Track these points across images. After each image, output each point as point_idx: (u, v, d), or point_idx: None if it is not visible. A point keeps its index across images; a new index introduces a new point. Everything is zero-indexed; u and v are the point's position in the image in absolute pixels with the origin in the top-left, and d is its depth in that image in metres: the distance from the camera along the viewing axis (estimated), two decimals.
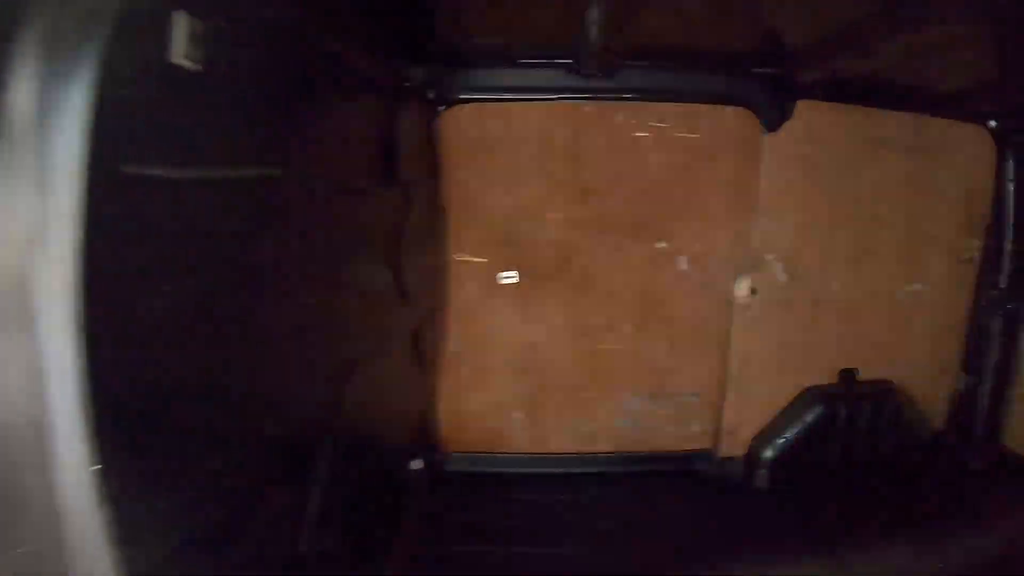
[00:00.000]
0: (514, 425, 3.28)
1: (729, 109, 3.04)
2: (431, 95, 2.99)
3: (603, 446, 3.34)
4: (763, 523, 3.09)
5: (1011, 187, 3.57)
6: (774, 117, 3.08)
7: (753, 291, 3.21)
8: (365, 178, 2.14)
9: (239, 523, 1.24)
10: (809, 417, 3.31)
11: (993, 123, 3.57)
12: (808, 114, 3.15)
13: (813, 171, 3.20)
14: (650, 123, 3.00)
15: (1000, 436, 3.70)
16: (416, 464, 3.09)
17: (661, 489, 3.28)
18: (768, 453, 3.33)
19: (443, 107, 2.98)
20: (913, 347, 3.62)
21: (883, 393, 3.46)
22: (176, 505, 0.98)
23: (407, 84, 2.75)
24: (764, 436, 3.37)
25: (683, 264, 3.18)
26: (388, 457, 2.69)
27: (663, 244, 3.16)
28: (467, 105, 2.98)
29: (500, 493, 3.19)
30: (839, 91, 3.17)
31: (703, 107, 3.03)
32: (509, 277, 3.12)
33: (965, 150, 3.54)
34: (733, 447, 3.42)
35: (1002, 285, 3.60)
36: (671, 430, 3.35)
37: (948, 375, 3.75)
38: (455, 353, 3.23)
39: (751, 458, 3.39)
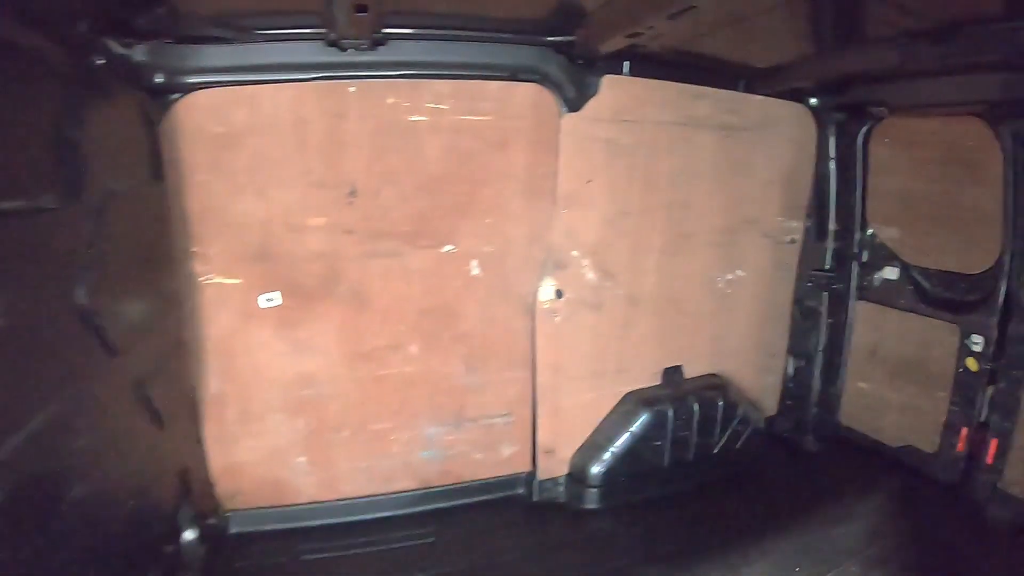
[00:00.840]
0: (297, 472, 3.11)
1: (521, 86, 2.99)
2: (158, 79, 2.59)
3: (404, 483, 3.26)
4: (595, 547, 3.13)
5: (832, 166, 3.85)
6: (574, 95, 3.06)
7: (559, 293, 3.22)
8: (26, 193, 1.75)
9: None
10: (634, 425, 3.40)
11: (813, 101, 3.80)
12: (613, 91, 3.13)
13: (620, 154, 3.22)
14: (427, 104, 2.89)
15: (834, 416, 4.07)
16: (189, 535, 2.79)
17: (476, 524, 3.24)
18: (594, 469, 3.38)
19: (175, 95, 2.63)
20: (739, 336, 3.82)
21: (711, 388, 3.62)
22: None
23: (103, 64, 2.37)
24: (587, 451, 3.43)
25: (475, 269, 3.14)
26: (144, 535, 2.44)
27: (450, 248, 3.09)
28: (204, 91, 2.66)
29: (289, 550, 3.00)
30: (648, 65, 3.18)
31: (491, 84, 2.95)
32: (270, 300, 2.88)
33: (785, 129, 3.74)
34: (554, 467, 3.45)
35: (826, 266, 3.92)
36: (480, 457, 3.34)
37: (777, 360, 4.05)
38: (217, 396, 2.95)
39: (575, 477, 3.44)
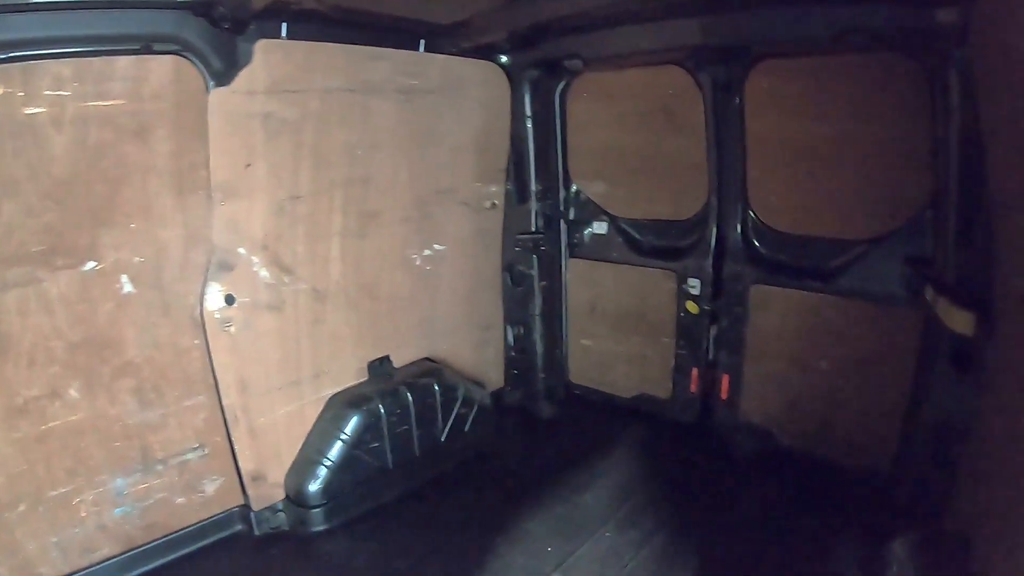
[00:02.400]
0: None
1: (157, 60, 2.94)
2: None
3: (106, 550, 3.28)
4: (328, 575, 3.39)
5: (529, 125, 4.42)
6: (221, 66, 3.08)
7: (229, 299, 3.32)
8: None
9: None
10: (344, 430, 3.68)
11: (504, 58, 4.29)
12: (269, 58, 3.18)
13: (284, 131, 3.34)
14: (45, 92, 2.74)
15: (564, 377, 4.75)
16: None
17: (201, 574, 3.37)
18: (311, 488, 3.62)
19: None
20: (448, 314, 4.27)
21: (426, 376, 4.01)
22: None
23: None
24: (300, 469, 3.66)
25: (127, 286, 3.12)
26: None
27: (93, 264, 3.02)
28: None
29: None
30: (311, 26, 3.29)
31: (120, 61, 2.86)
32: None
33: (474, 90, 4.16)
34: (268, 494, 3.64)
35: (532, 228, 4.51)
36: (183, 500, 3.43)
37: (494, 331, 4.62)
38: None
39: (294, 500, 3.66)
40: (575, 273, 4.62)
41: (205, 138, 3.11)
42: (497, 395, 4.63)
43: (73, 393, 3.10)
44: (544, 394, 4.71)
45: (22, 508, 3.05)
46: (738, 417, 4.09)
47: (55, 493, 3.12)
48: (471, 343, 4.47)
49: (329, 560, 3.47)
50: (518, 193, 4.46)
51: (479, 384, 4.38)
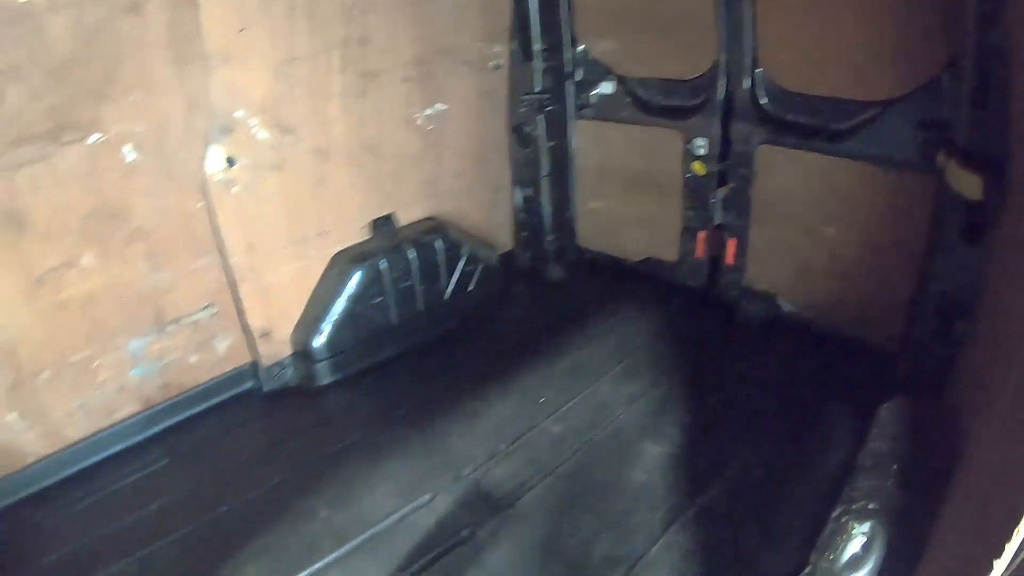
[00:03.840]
0: (14, 431, 3.41)
1: None
2: None
3: (127, 410, 3.67)
4: (332, 426, 3.74)
5: None
6: None
7: (230, 161, 3.51)
8: None
9: None
10: (350, 287, 3.94)
11: None
12: None
13: None
14: None
15: (573, 240, 4.86)
16: None
17: (209, 431, 3.76)
18: (317, 343, 3.94)
19: None
20: (453, 174, 4.40)
21: (429, 233, 4.21)
22: None
23: None
24: (306, 325, 3.97)
25: (131, 154, 3.30)
26: None
27: (98, 136, 3.20)
28: None
29: (25, 524, 3.32)
30: None
31: None
32: None
33: None
34: (276, 350, 3.99)
35: (537, 88, 4.53)
36: (196, 359, 3.80)
37: (502, 193, 4.73)
38: None
39: (300, 355, 4.00)
40: (583, 134, 4.64)
41: (197, 7, 3.22)
42: (507, 257, 4.81)
43: (87, 261, 3.37)
44: (553, 256, 4.85)
45: (46, 375, 3.40)
46: (743, 282, 4.18)
47: (76, 358, 3.46)
48: (480, 205, 4.61)
49: (331, 412, 3.85)
50: (522, 52, 4.45)
51: (487, 245, 4.56)
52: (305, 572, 2.84)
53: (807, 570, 2.35)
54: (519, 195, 4.83)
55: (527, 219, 4.89)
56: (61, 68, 3.04)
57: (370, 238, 4.12)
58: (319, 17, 3.65)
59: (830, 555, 2.33)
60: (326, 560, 2.89)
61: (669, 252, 4.46)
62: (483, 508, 3.02)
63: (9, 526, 3.29)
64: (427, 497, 3.11)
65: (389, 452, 3.40)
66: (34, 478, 3.47)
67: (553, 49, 4.48)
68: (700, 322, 4.25)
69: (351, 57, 3.80)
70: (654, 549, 2.73)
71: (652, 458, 3.16)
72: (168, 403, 3.78)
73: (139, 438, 3.72)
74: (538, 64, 4.49)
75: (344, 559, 2.88)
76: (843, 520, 2.42)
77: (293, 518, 3.09)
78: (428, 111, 4.21)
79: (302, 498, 3.20)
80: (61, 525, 3.28)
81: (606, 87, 4.49)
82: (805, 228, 3.86)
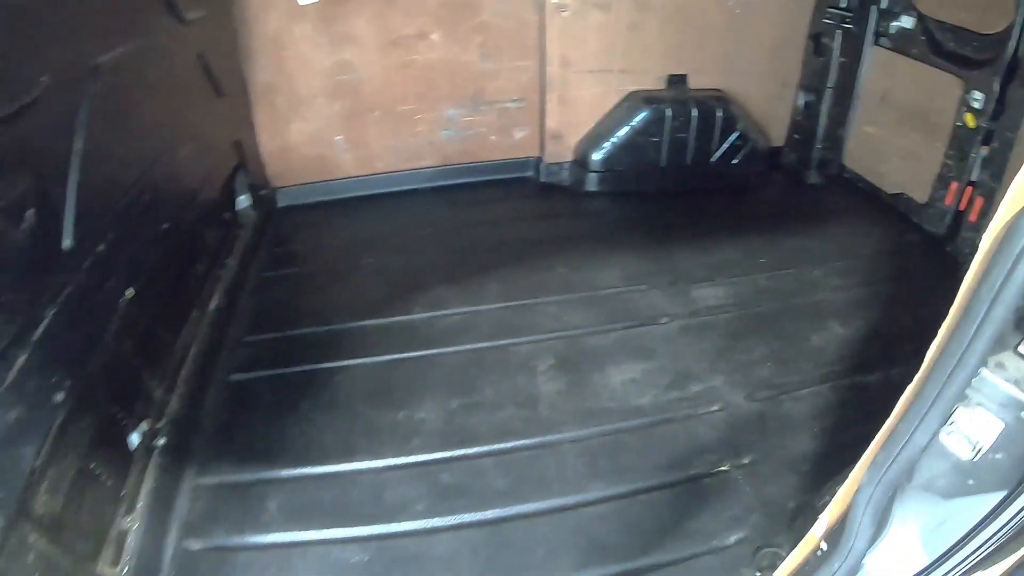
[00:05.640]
0: (337, 149, 4.65)
1: None
2: None
3: (428, 160, 4.77)
4: (589, 217, 4.55)
5: None
6: None
7: None
8: None
9: None
10: (635, 121, 4.62)
11: None
12: None
13: None
14: None
15: (838, 155, 5.14)
16: (243, 200, 4.40)
17: (491, 195, 4.73)
18: (595, 156, 4.70)
19: None
20: (749, 59, 4.83)
21: (713, 100, 4.73)
22: None
23: None
24: (590, 140, 4.72)
25: None
26: (204, 192, 3.62)
27: None
28: None
29: (329, 217, 4.64)
30: None
31: None
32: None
33: None
34: (559, 152, 4.79)
35: (842, 4, 4.76)
36: (496, 139, 4.74)
37: (788, 90, 5.09)
38: (267, 86, 4.34)
39: (578, 163, 4.77)
40: (874, 60, 4.88)
41: None
42: (774, 151, 5.21)
43: (435, 38, 4.42)
44: (816, 164, 5.18)
45: (376, 114, 4.56)
46: (978, 241, 4.33)
47: (403, 109, 4.59)
48: (764, 94, 5.03)
49: (590, 210, 4.71)
50: None
51: (761, 131, 5.03)
52: (530, 301, 3.65)
53: None
54: (802, 98, 5.18)
55: (802, 122, 5.23)
56: None
57: (663, 89, 4.76)
58: None
59: None
60: (550, 299, 3.67)
61: (921, 193, 4.62)
62: (683, 309, 3.61)
63: (318, 216, 4.63)
64: (643, 287, 3.77)
65: (624, 249, 4.12)
66: (343, 188, 4.78)
67: None
68: (926, 265, 4.36)
69: None
70: (803, 391, 3.09)
71: (834, 334, 3.48)
72: (462, 166, 4.85)
73: (430, 184, 4.85)
74: None
75: (566, 303, 3.64)
76: None
77: (535, 267, 3.93)
78: None
79: (545, 257, 4.02)
80: (352, 225, 4.52)
81: (906, 20, 4.71)
82: None
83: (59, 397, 2.02)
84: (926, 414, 1.27)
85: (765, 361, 3.22)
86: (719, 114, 4.74)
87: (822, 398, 3.00)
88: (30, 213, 1.98)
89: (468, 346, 3.32)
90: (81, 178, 2.22)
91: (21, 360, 1.86)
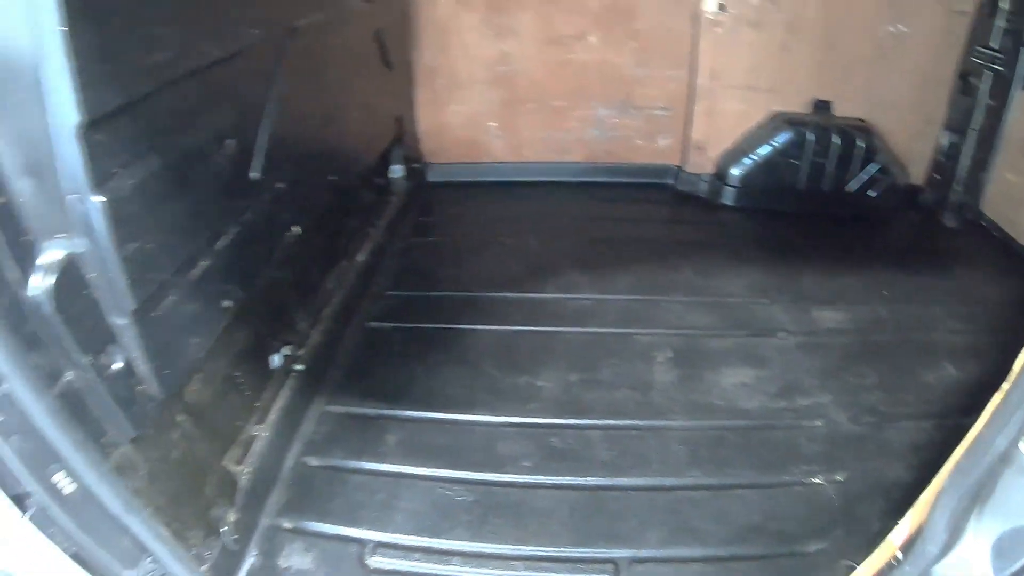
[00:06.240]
0: (490, 134, 4.98)
1: None
2: None
3: (574, 156, 5.02)
4: (723, 230, 4.67)
5: None
6: None
7: (722, 6, 4.26)
8: None
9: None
10: (778, 141, 4.69)
11: None
12: None
13: None
14: None
15: (977, 200, 4.98)
16: (397, 170, 4.83)
17: (629, 198, 4.91)
18: (735, 171, 4.81)
19: None
20: (894, 92, 4.81)
21: (857, 130, 4.73)
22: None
23: None
24: (731, 155, 4.83)
25: None
26: (366, 156, 3.97)
27: None
28: None
29: (478, 196, 5.01)
30: None
31: None
32: None
33: None
34: (701, 164, 4.94)
35: (993, 45, 4.64)
36: (641, 143, 4.92)
37: (932, 128, 5.02)
38: (430, 68, 4.64)
39: (718, 175, 4.89)
40: (1020, 105, 4.64)
41: None
42: (913, 189, 5.16)
43: (593, 40, 4.68)
44: (953, 207, 5.05)
45: (531, 106, 4.86)
46: None
47: (556, 104, 4.87)
48: (908, 130, 4.98)
49: (723, 223, 4.81)
50: (990, 5, 4.62)
51: (901, 166, 5.02)
52: (656, 297, 3.86)
53: None
54: (945, 138, 5.06)
55: (944, 162, 5.10)
56: None
57: (807, 112, 4.81)
58: None
59: None
60: (675, 298, 3.83)
61: None
62: (801, 326, 3.69)
63: (464, 194, 4.99)
64: (766, 301, 3.87)
65: (752, 263, 4.23)
66: (491, 172, 5.11)
67: (1018, 13, 4.55)
68: None
69: None
70: (906, 423, 3.09)
71: (946, 374, 3.43)
72: (605, 165, 5.07)
73: (573, 179, 5.09)
74: (1000, 22, 4.61)
75: (690, 304, 3.78)
76: None
77: (664, 267, 4.14)
78: (890, 28, 4.72)
79: (675, 259, 4.20)
80: (495, 206, 4.85)
81: None
82: None
83: (226, 304, 2.36)
84: (1009, 421, 1.29)
85: (874, 388, 3.25)
86: (861, 144, 4.76)
87: (924, 433, 3.03)
88: (230, 142, 2.38)
89: (593, 329, 3.53)
90: (271, 121, 2.58)
91: (204, 263, 2.21)
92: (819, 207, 4.88)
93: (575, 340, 3.49)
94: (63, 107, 1.54)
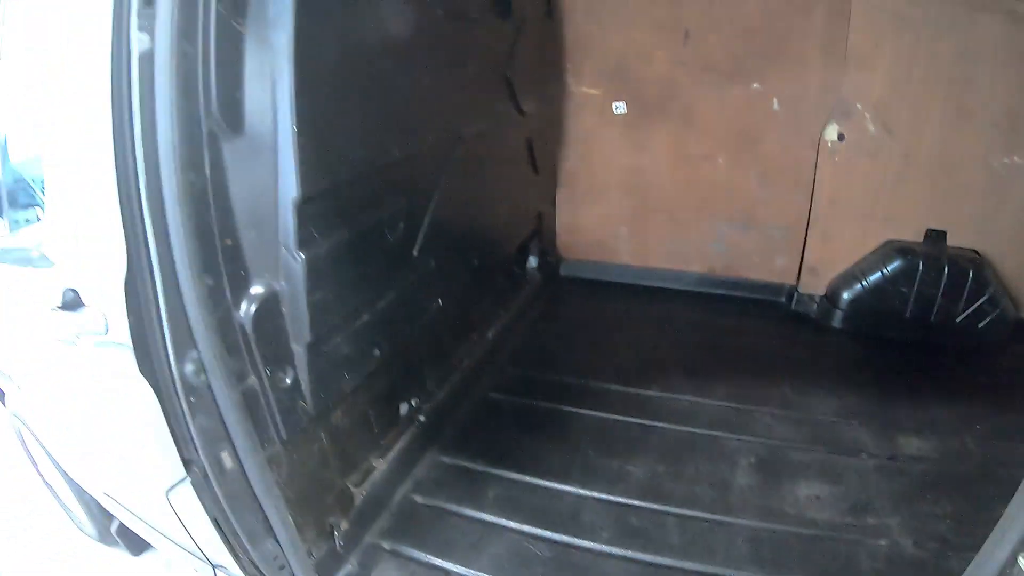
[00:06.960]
0: (619, 238, 5.35)
1: None
2: None
3: (695, 266, 5.24)
4: (833, 352, 4.73)
5: None
6: None
7: (840, 136, 4.36)
8: (479, 10, 3.47)
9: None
10: (889, 268, 4.71)
11: None
12: None
13: (904, 28, 4.08)
14: None
15: None
16: (533, 261, 5.27)
17: (744, 313, 5.08)
18: (846, 295, 4.85)
19: None
20: (1008, 223, 4.77)
21: (969, 262, 4.67)
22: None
23: None
24: (843, 279, 4.87)
25: (775, 105, 4.45)
26: (506, 246, 4.33)
27: (757, 86, 4.43)
28: None
29: (602, 293, 5.40)
30: None
31: None
32: (619, 108, 4.71)
33: None
34: (813, 285, 5.04)
35: None
36: (758, 260, 5.08)
37: None
38: (572, 172, 4.99)
39: (829, 298, 4.95)
40: None
41: (846, 23, 4.25)
42: (1021, 324, 5.01)
43: (721, 160, 4.95)
44: None
45: (659, 216, 5.19)
46: None
47: (682, 216, 5.15)
48: (1021, 262, 4.94)
49: (829, 344, 4.92)
50: None
51: (1012, 299, 4.94)
52: (750, 407, 3.94)
53: None
54: None
55: None
56: (747, 32, 4.36)
57: (919, 241, 4.86)
58: (934, 53, 4.47)
59: None
60: (768, 410, 3.90)
61: None
62: (884, 451, 3.65)
63: (591, 290, 5.35)
64: (854, 423, 3.83)
65: (848, 385, 4.21)
66: (617, 272, 5.40)
67: None
68: None
69: (952, 93, 4.54)
70: (973, 555, 2.67)
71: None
72: (722, 278, 5.25)
73: (690, 288, 5.34)
74: None
75: (781, 418, 3.78)
76: None
77: (764, 380, 4.18)
78: (1005, 159, 4.70)
79: (775, 374, 4.27)
80: (617, 305, 5.18)
81: None
82: None
83: (375, 353, 2.90)
84: None
85: (945, 517, 3.23)
86: (970, 275, 4.74)
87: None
88: (401, 225, 2.98)
89: (687, 428, 3.74)
90: (434, 210, 3.04)
91: (365, 317, 2.78)
92: (925, 336, 4.84)
93: (669, 436, 3.71)
94: (288, 184, 2.15)
